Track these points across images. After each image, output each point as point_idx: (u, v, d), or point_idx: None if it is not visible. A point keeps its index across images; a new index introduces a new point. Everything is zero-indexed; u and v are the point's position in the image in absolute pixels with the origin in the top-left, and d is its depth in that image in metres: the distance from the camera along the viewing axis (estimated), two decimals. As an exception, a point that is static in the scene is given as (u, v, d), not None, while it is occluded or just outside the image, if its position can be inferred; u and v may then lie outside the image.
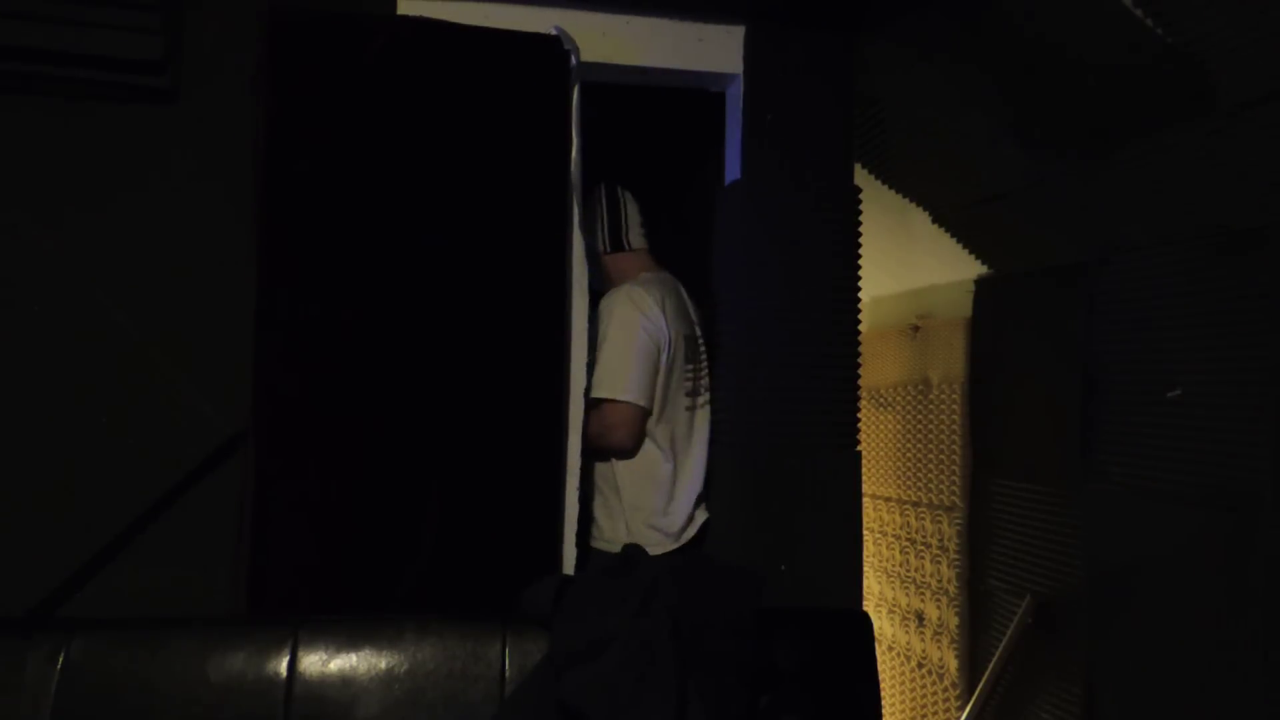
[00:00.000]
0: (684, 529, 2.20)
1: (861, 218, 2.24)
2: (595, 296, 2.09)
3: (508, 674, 1.49)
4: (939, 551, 2.80)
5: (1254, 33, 1.50)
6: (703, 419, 2.27)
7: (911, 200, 2.68)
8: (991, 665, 2.40)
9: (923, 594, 2.89)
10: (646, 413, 2.14)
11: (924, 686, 2.87)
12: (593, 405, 2.08)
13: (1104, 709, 2.07)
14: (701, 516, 2.25)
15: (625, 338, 2.12)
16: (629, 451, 2.16)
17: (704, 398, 2.28)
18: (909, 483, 2.97)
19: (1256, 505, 1.68)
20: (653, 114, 2.78)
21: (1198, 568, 1.80)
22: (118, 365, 1.71)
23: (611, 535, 2.19)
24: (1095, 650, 2.10)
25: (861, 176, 2.47)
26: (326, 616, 1.55)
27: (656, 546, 2.13)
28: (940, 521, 2.79)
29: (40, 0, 1.64)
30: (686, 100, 2.36)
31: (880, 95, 2.37)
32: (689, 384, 2.25)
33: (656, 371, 2.15)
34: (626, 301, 2.16)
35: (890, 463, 3.10)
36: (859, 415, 2.23)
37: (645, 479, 2.19)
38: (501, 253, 1.87)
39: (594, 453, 2.15)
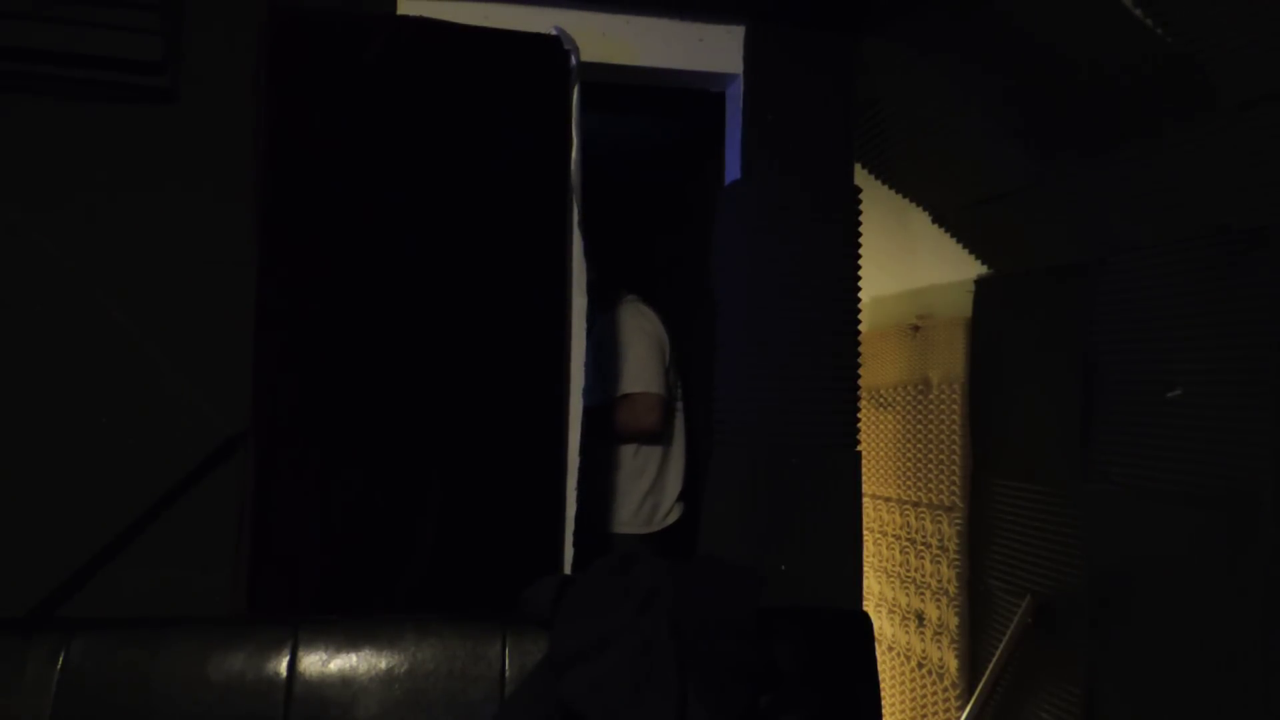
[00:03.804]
0: (666, 515, 2.59)
1: (861, 218, 2.24)
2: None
3: (508, 674, 1.49)
4: (939, 551, 2.79)
5: (1254, 33, 1.50)
6: (681, 420, 2.67)
7: (911, 200, 2.68)
8: (991, 665, 2.40)
9: (923, 594, 2.89)
10: (669, 402, 2.55)
11: (924, 686, 2.87)
12: (621, 399, 2.47)
13: (1104, 709, 2.07)
14: (679, 510, 2.62)
15: (646, 342, 2.52)
16: (661, 436, 2.55)
17: (680, 403, 2.67)
18: (909, 483, 2.97)
19: (1256, 505, 1.68)
20: (653, 114, 2.79)
21: (1198, 568, 1.80)
22: (118, 365, 1.71)
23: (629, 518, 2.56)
24: (1095, 650, 2.10)
25: (861, 176, 2.47)
26: (326, 616, 1.54)
27: (642, 526, 2.56)
28: (940, 521, 2.79)
29: (40, 0, 1.64)
30: (686, 100, 2.36)
31: (880, 95, 2.37)
32: (677, 389, 2.65)
33: (666, 371, 2.55)
34: (639, 314, 2.57)
35: (890, 463, 3.10)
36: (859, 415, 2.23)
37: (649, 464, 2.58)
38: (502, 252, 1.87)
39: (624, 440, 2.53)
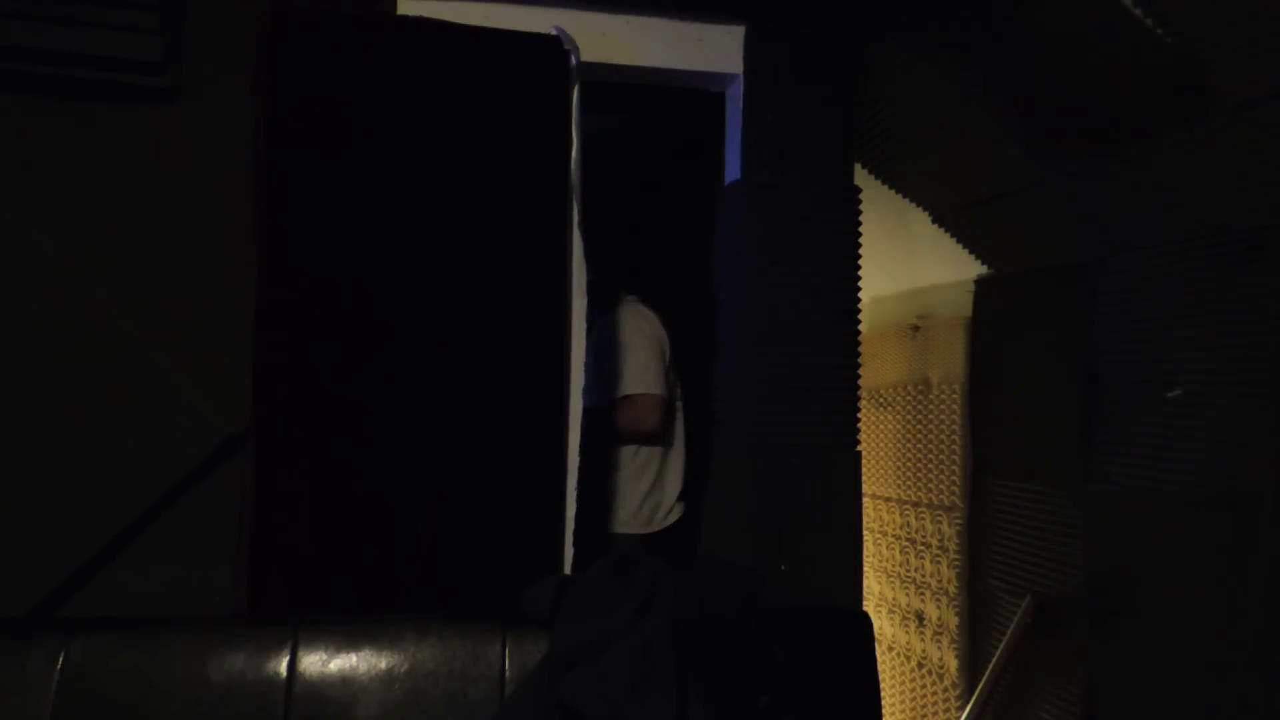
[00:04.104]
0: (666, 515, 2.56)
1: (861, 218, 2.24)
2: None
3: (508, 674, 1.49)
4: (939, 551, 2.80)
5: (1254, 33, 1.50)
6: (681, 420, 2.64)
7: (911, 200, 2.68)
8: (991, 665, 2.40)
9: (923, 594, 2.89)
10: (669, 403, 2.53)
11: (924, 686, 2.87)
12: (623, 400, 2.44)
13: (1104, 709, 2.07)
14: (679, 510, 2.59)
15: (645, 343, 2.49)
16: (661, 437, 2.52)
17: (680, 403, 2.65)
18: (909, 483, 2.97)
19: (1256, 505, 1.68)
20: (653, 114, 2.79)
21: (1198, 568, 1.80)
22: (118, 365, 1.71)
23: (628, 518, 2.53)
24: (1095, 650, 2.10)
25: (861, 176, 2.47)
26: (326, 616, 1.54)
27: (642, 527, 2.53)
28: (940, 521, 2.79)
29: (40, 0, 1.64)
30: (686, 100, 2.36)
31: (880, 95, 2.37)
32: (676, 389, 2.62)
33: (666, 372, 2.52)
34: (639, 315, 2.55)
35: (890, 463, 3.10)
36: (859, 415, 2.23)
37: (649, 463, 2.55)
38: (502, 252, 1.87)
39: (625, 441, 2.50)
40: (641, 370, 2.48)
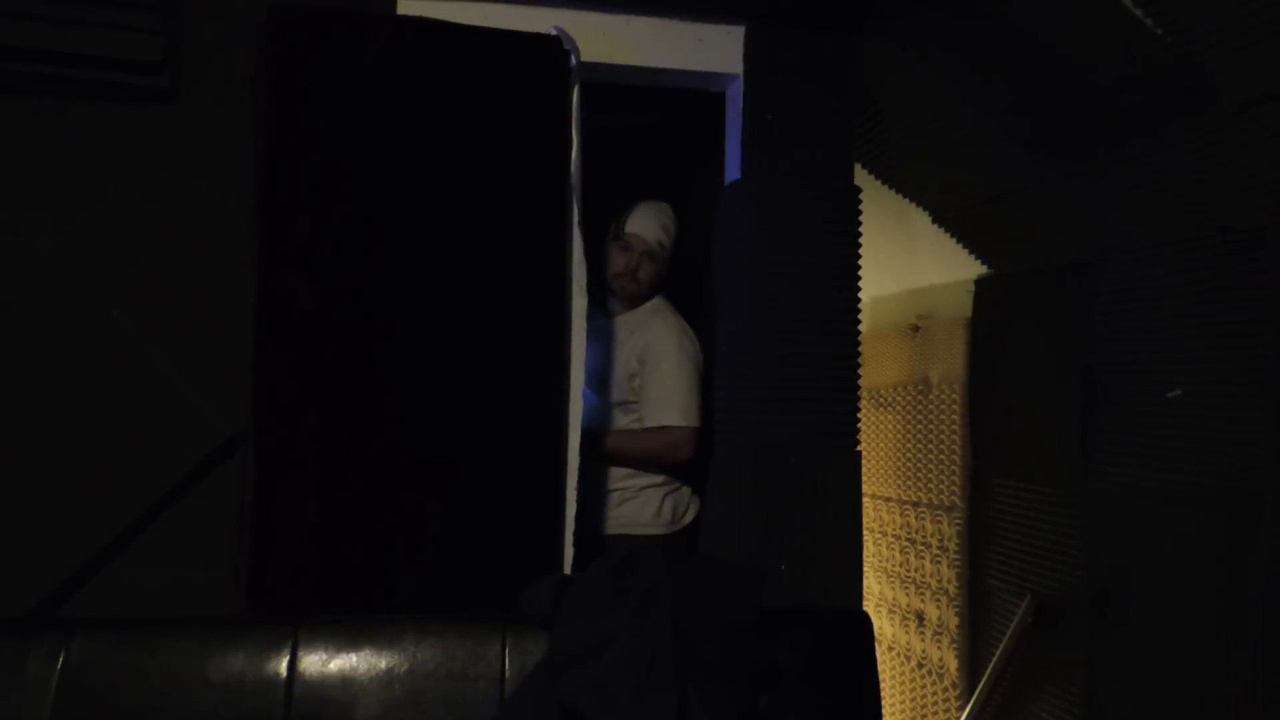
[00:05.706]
0: (685, 513, 2.45)
1: (861, 218, 2.24)
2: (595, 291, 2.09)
3: (508, 674, 1.49)
4: (939, 551, 2.80)
5: (1254, 33, 1.50)
6: None
7: (911, 200, 2.68)
8: (991, 665, 2.40)
9: (923, 594, 2.89)
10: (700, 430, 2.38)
11: (924, 686, 2.87)
12: (659, 430, 2.29)
13: (1104, 709, 2.07)
14: (697, 505, 2.48)
15: (686, 364, 2.33)
16: (686, 467, 2.38)
17: None
18: (909, 483, 2.97)
19: (1256, 505, 1.68)
20: (653, 114, 2.78)
21: (1198, 568, 1.80)
22: (118, 365, 1.71)
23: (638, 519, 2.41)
24: (1095, 650, 2.10)
25: (861, 176, 2.47)
26: (326, 616, 1.54)
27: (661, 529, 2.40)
28: (940, 521, 2.79)
29: (40, 0, 1.64)
30: (686, 100, 2.36)
31: (880, 95, 2.37)
32: None
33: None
34: (680, 330, 2.39)
35: (890, 463, 3.10)
36: (859, 415, 2.23)
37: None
38: (501, 252, 1.87)
39: (648, 468, 2.35)
40: (684, 399, 2.32)
